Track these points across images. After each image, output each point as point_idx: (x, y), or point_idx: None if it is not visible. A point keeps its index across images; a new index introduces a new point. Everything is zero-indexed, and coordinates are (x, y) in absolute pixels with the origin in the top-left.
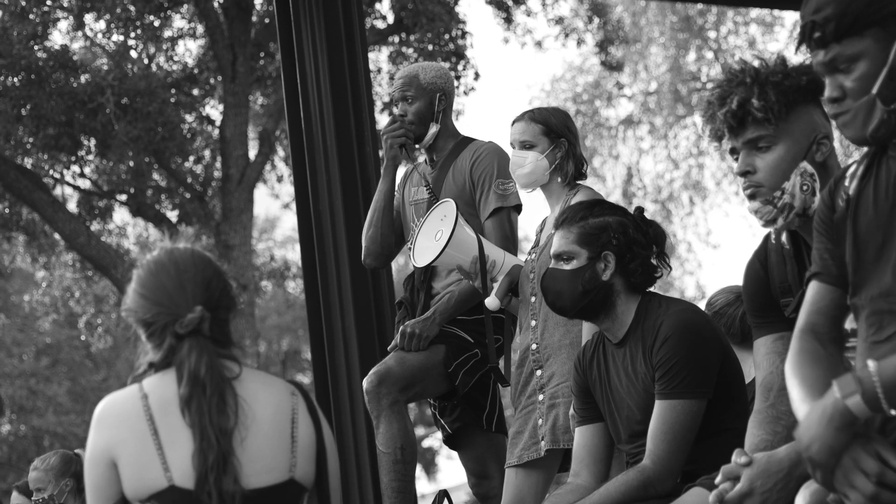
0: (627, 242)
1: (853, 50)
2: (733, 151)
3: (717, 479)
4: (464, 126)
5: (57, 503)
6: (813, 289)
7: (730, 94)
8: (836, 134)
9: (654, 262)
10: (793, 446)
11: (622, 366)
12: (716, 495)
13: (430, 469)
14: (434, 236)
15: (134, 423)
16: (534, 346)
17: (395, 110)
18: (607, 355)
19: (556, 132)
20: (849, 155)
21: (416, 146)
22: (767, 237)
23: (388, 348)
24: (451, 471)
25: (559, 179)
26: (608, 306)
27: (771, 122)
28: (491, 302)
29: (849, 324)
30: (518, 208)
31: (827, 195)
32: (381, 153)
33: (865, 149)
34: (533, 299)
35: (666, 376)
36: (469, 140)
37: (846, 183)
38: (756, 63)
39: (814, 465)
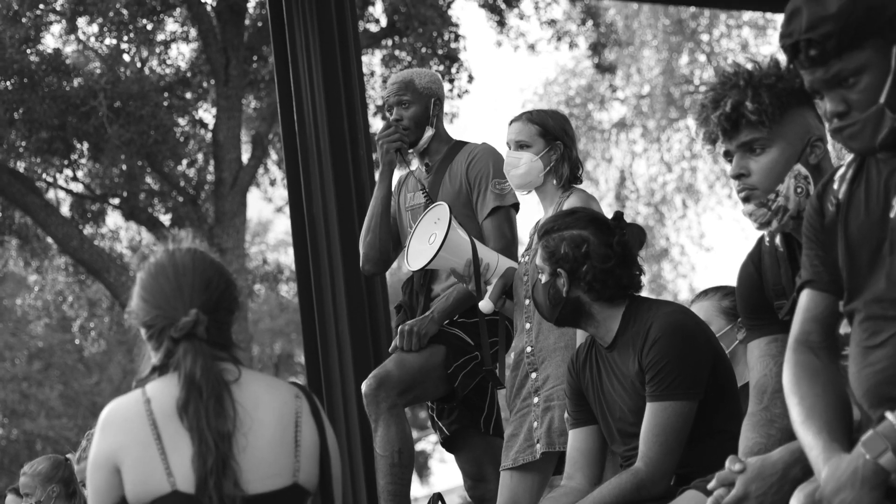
0: (580, 257)
1: (856, 63)
2: (727, 154)
3: (711, 485)
4: (457, 129)
5: None
6: (806, 297)
7: (723, 97)
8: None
9: (622, 270)
10: (786, 449)
11: (614, 369)
12: (712, 501)
13: (423, 472)
14: (428, 240)
15: (137, 429)
16: (528, 349)
17: (389, 115)
18: (600, 358)
19: (552, 134)
20: (841, 157)
21: (410, 150)
22: (761, 239)
23: (389, 350)
24: (444, 474)
25: (554, 182)
26: (585, 315)
27: (765, 125)
28: (485, 305)
29: (843, 329)
30: (516, 207)
31: (815, 200)
32: (374, 157)
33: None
34: (527, 302)
35: (656, 378)
36: (462, 143)
37: (835, 187)
38: (749, 66)
39: None
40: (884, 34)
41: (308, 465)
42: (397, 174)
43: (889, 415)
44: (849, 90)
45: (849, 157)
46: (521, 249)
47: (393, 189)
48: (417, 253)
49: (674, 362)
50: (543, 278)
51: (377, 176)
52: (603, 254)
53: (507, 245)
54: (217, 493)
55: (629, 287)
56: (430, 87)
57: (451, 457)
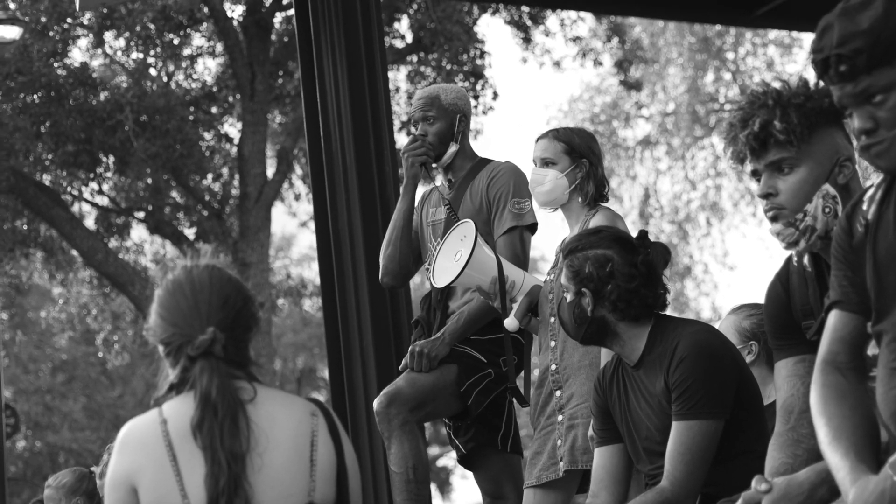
0: (605, 277)
1: (886, 80)
2: (755, 173)
3: None
4: (483, 145)
5: None
6: (834, 317)
7: (752, 117)
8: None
9: (647, 290)
10: (813, 469)
11: (640, 387)
12: None
13: (445, 488)
14: (454, 257)
15: (153, 450)
16: (553, 367)
17: (414, 130)
18: (626, 377)
19: (578, 152)
20: (867, 177)
21: (434, 165)
22: (789, 259)
23: (400, 368)
24: (466, 490)
25: (579, 199)
26: (610, 335)
27: (793, 145)
28: (510, 323)
29: (871, 350)
30: (533, 227)
31: (845, 220)
32: (400, 171)
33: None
34: (552, 320)
35: (682, 397)
36: (486, 161)
37: (864, 207)
38: (778, 85)
39: None
40: None
41: (324, 484)
42: (421, 188)
43: None
44: (877, 108)
45: (876, 176)
46: (546, 267)
47: (417, 203)
48: (443, 270)
49: (700, 382)
50: (568, 297)
51: (401, 189)
52: (627, 273)
53: (518, 265)
54: None
55: (654, 306)
56: (456, 103)
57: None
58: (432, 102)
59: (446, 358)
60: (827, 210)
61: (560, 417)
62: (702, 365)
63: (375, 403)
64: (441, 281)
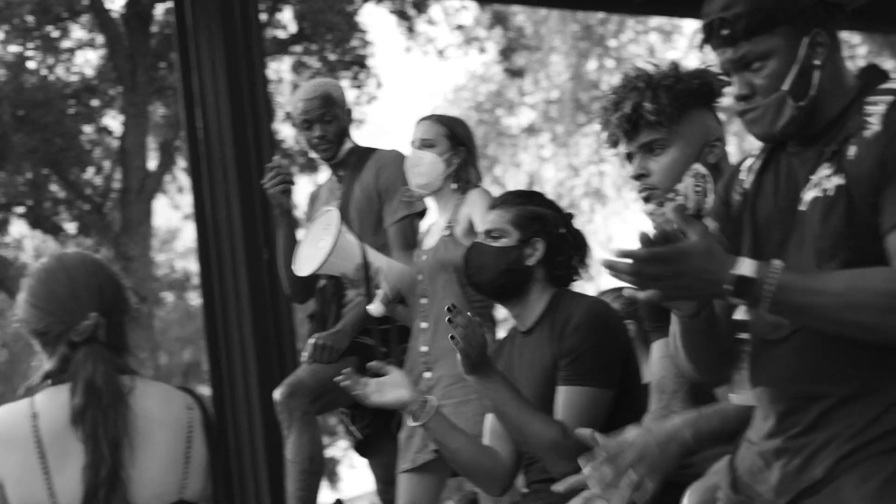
0: (559, 237)
1: (764, 47)
2: (629, 156)
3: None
4: (366, 136)
5: None
6: None
7: (624, 100)
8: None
9: (575, 265)
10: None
11: (526, 354)
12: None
13: (333, 478)
14: (317, 245)
15: (21, 447)
16: (424, 349)
17: (307, 133)
18: (513, 346)
19: (458, 138)
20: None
21: (331, 160)
22: None
23: (301, 360)
24: (354, 480)
25: (453, 186)
26: (523, 292)
27: (664, 126)
28: (375, 308)
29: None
30: (423, 214)
31: (722, 190)
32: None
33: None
34: (423, 301)
35: (574, 363)
36: (371, 150)
37: (741, 177)
38: (649, 68)
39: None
40: (795, 23)
41: (196, 480)
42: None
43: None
44: (755, 74)
45: (756, 149)
46: None
47: (307, 203)
48: (307, 258)
49: (593, 349)
50: (503, 242)
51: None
52: (572, 242)
53: (412, 252)
54: None
55: (575, 278)
56: (344, 97)
57: (360, 463)
58: (326, 101)
59: (345, 350)
60: (698, 189)
61: None
62: (596, 333)
63: (277, 394)
64: (304, 269)
